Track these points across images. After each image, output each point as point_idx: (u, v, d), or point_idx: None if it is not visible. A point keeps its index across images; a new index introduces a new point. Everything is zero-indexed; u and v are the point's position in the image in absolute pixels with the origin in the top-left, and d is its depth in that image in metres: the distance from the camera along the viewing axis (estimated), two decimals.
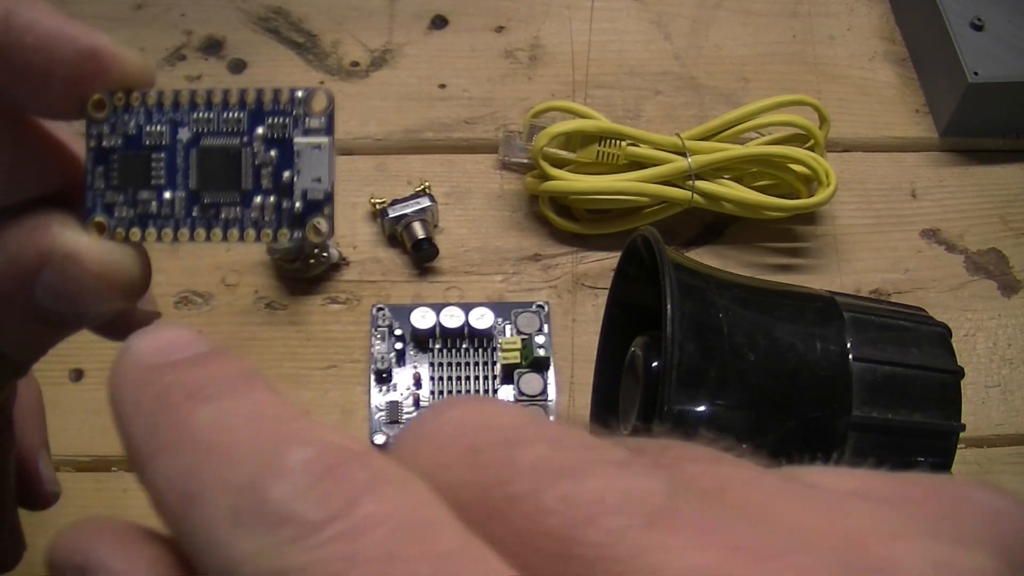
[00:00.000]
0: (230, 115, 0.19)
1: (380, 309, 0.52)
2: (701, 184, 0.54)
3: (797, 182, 0.55)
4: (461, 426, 0.14)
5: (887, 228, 0.57)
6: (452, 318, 0.51)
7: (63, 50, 0.18)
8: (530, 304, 0.53)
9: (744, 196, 0.54)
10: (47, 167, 0.20)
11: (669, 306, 0.38)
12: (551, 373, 0.51)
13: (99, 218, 0.19)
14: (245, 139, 0.19)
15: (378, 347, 0.51)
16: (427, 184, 0.56)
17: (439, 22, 0.64)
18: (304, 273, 0.53)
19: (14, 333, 0.20)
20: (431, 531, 0.12)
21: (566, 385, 0.51)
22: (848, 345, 0.40)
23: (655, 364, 0.42)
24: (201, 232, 0.19)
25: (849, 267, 0.55)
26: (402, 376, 0.50)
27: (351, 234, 0.55)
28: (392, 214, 0.54)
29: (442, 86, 0.61)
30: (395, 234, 0.54)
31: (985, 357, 0.53)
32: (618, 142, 0.54)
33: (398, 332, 0.51)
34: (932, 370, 0.40)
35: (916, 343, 0.41)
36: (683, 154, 0.54)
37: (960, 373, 0.40)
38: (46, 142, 0.21)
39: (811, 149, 0.55)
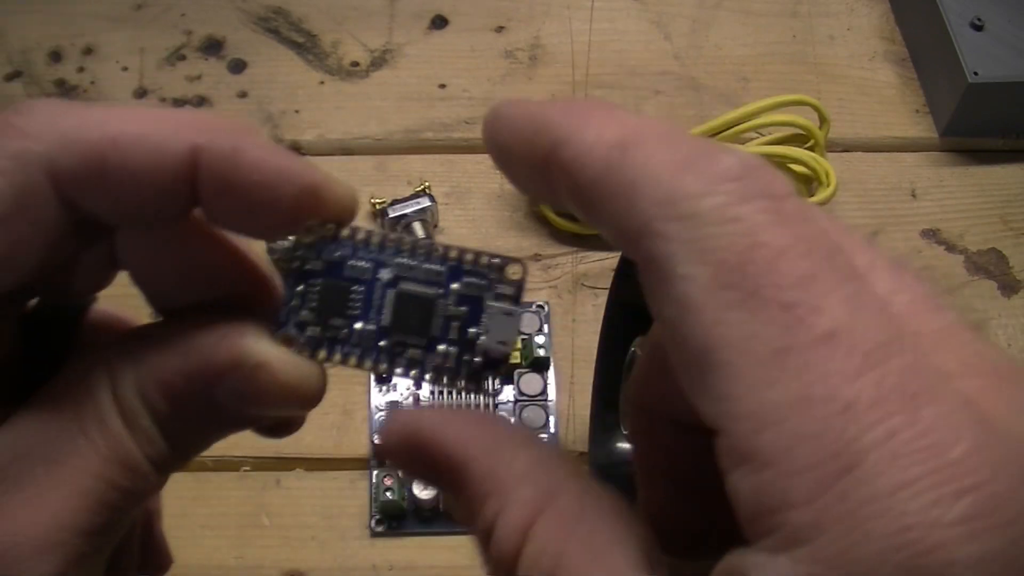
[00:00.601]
0: (431, 267, 0.20)
1: None
2: None
3: (797, 182, 0.55)
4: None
5: (887, 228, 0.57)
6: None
7: (285, 186, 0.20)
8: (530, 304, 0.53)
9: None
10: (233, 273, 0.22)
11: None
12: (551, 373, 0.51)
13: (291, 332, 0.21)
14: (441, 291, 0.20)
15: None
16: (427, 184, 0.56)
17: (439, 22, 0.64)
18: None
19: (190, 428, 0.21)
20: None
21: (566, 385, 0.51)
22: None
23: None
24: (383, 366, 0.20)
25: None
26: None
27: None
28: (392, 214, 0.54)
29: (442, 86, 0.61)
30: None
31: None
32: None
33: None
34: None
35: None
36: None
37: None
38: (234, 251, 0.22)
39: (811, 149, 0.55)
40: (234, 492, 0.47)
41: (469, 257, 0.20)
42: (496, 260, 0.20)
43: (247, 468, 0.48)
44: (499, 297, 0.20)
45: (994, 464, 0.14)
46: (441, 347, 0.20)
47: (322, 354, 0.21)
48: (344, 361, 0.21)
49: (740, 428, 0.15)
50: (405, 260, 0.20)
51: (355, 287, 0.20)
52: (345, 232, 0.20)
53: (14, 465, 0.20)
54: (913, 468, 0.14)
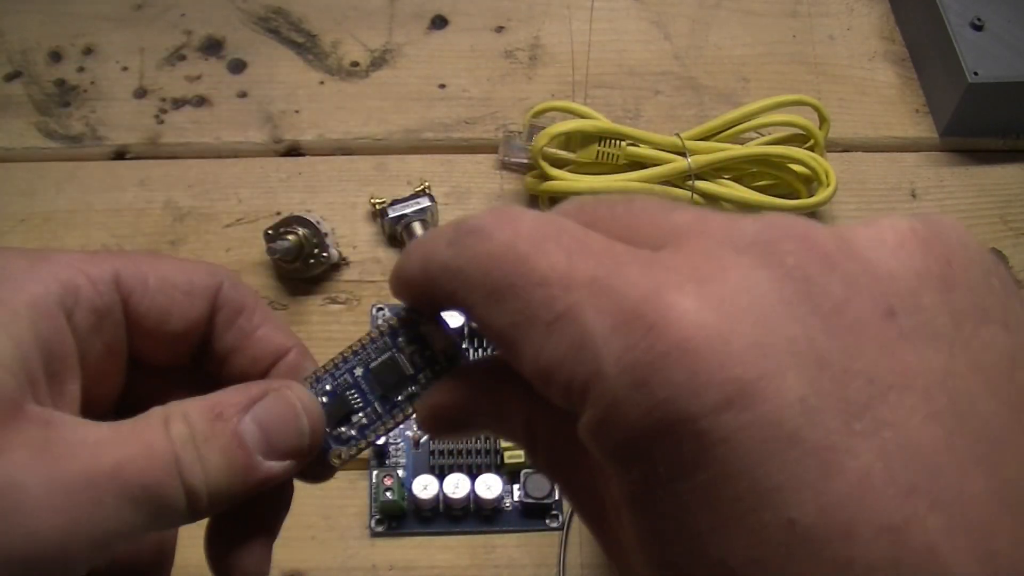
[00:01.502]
0: (376, 344, 0.27)
1: (380, 309, 0.52)
2: (701, 184, 0.54)
3: (797, 182, 0.55)
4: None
5: None
6: (452, 318, 0.50)
7: (278, 352, 0.28)
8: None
9: (744, 196, 0.54)
10: None
11: None
12: None
13: (338, 449, 0.27)
14: (394, 348, 0.27)
15: None
16: (427, 184, 0.56)
17: (439, 22, 0.64)
18: (304, 273, 0.53)
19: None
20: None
21: None
22: None
23: None
24: (399, 415, 0.27)
25: None
26: None
27: (351, 234, 0.55)
28: (392, 214, 0.54)
29: (442, 86, 0.61)
30: (395, 234, 0.54)
31: None
32: (618, 142, 0.54)
33: None
34: None
35: None
36: (683, 154, 0.54)
37: None
38: None
39: (811, 149, 0.55)
40: None
41: (393, 321, 0.27)
42: (403, 312, 0.27)
43: None
44: (426, 322, 0.27)
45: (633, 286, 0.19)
46: (420, 376, 0.27)
47: (362, 444, 0.27)
48: (377, 437, 0.27)
49: (531, 361, 0.20)
50: (361, 353, 0.27)
51: (348, 392, 0.27)
52: (320, 372, 0.27)
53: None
54: (590, 309, 0.19)
